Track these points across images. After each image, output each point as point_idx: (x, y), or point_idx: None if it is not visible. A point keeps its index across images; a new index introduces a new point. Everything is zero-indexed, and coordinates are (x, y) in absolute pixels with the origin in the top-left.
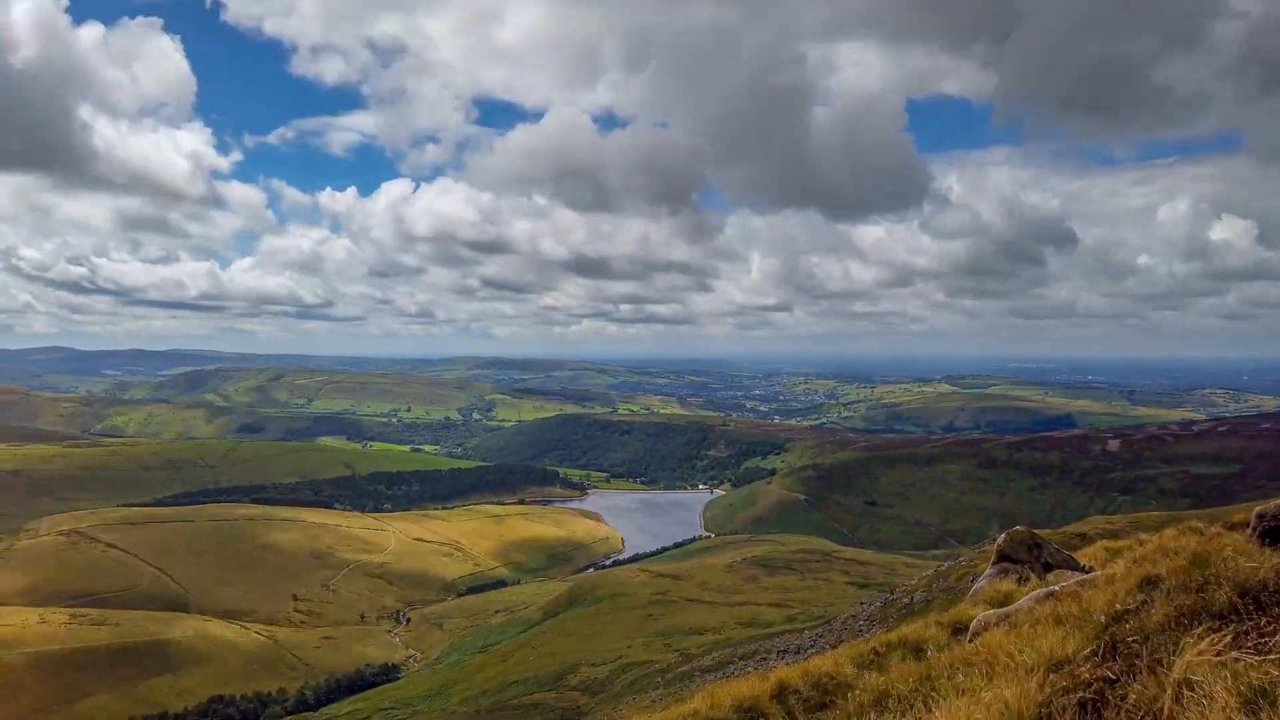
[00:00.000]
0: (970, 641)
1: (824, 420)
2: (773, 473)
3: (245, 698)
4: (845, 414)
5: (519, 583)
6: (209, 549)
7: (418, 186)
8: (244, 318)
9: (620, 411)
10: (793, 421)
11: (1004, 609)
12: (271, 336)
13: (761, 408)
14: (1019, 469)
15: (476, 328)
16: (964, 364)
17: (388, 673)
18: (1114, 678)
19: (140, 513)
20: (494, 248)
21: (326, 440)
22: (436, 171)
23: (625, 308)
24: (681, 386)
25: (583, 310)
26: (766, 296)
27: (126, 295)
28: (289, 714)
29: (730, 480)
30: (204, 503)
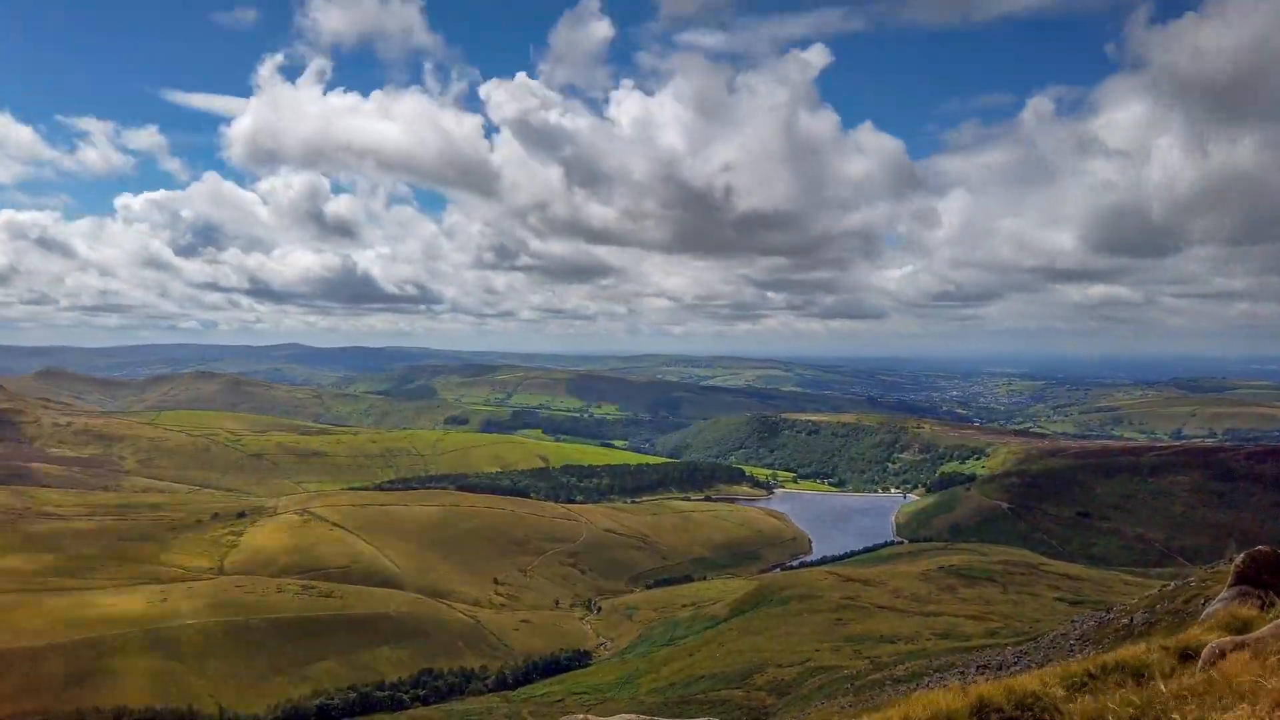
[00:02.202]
0: (1201, 670)
1: (1030, 424)
2: (972, 478)
3: (451, 672)
4: (1054, 418)
5: (705, 578)
6: (420, 532)
7: None
8: (454, 313)
9: (807, 411)
10: (995, 425)
11: (1242, 636)
12: (472, 334)
13: (959, 410)
14: (1261, 482)
15: (659, 327)
16: (1195, 365)
17: (580, 658)
18: None
19: (361, 496)
20: None
21: (523, 433)
22: None
23: (812, 304)
24: (871, 386)
25: (768, 306)
26: (964, 290)
27: (363, 297)
28: (490, 691)
29: (924, 485)
30: (415, 489)
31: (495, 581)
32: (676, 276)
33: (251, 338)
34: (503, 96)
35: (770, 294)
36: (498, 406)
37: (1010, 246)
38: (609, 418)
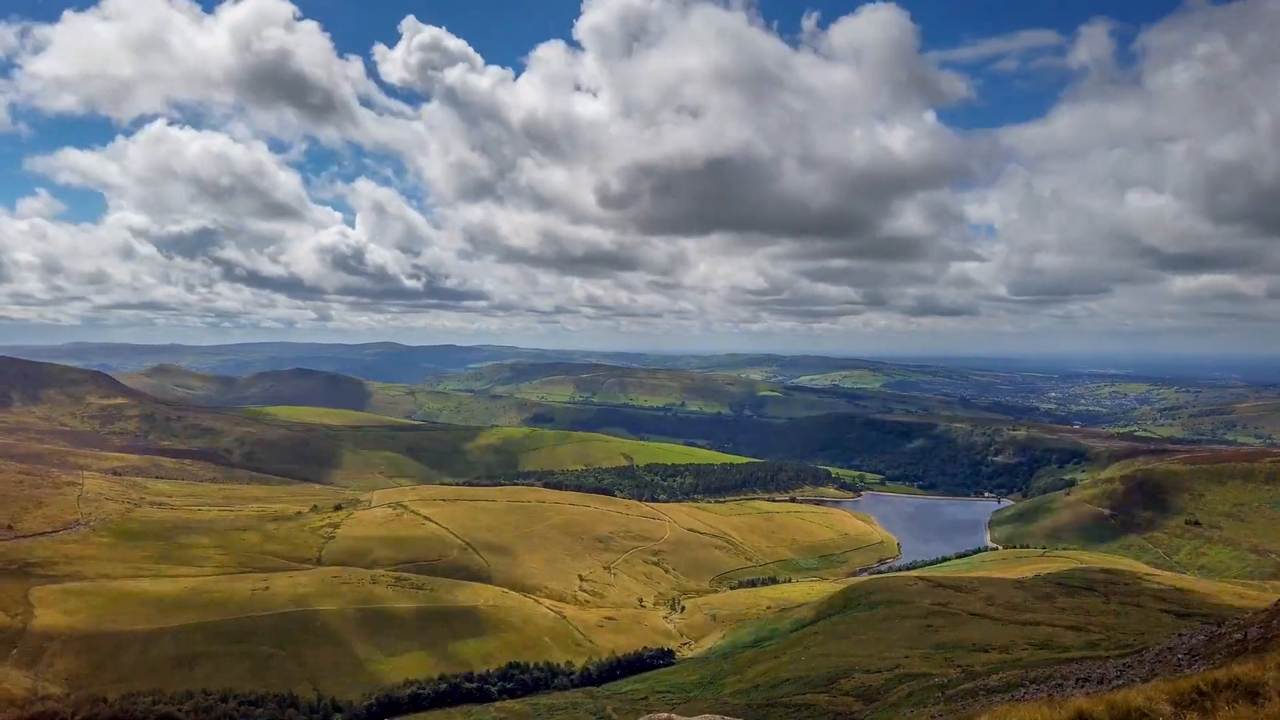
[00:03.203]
0: None
1: (1134, 427)
2: (1071, 484)
3: (538, 666)
4: (1161, 421)
5: (789, 580)
6: (507, 527)
7: None
8: (533, 313)
9: (896, 412)
10: (1096, 428)
11: None
12: (553, 332)
13: (1058, 411)
14: None
15: (743, 326)
16: None
17: (663, 657)
18: None
19: (451, 490)
20: None
21: (607, 431)
22: None
23: (900, 299)
24: (964, 386)
25: (851, 301)
26: (1061, 282)
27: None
28: (575, 686)
29: (1020, 490)
30: (503, 484)
31: (580, 578)
32: (750, 273)
33: (346, 336)
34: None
35: (850, 289)
36: (582, 404)
37: (1114, 227)
38: (692, 416)
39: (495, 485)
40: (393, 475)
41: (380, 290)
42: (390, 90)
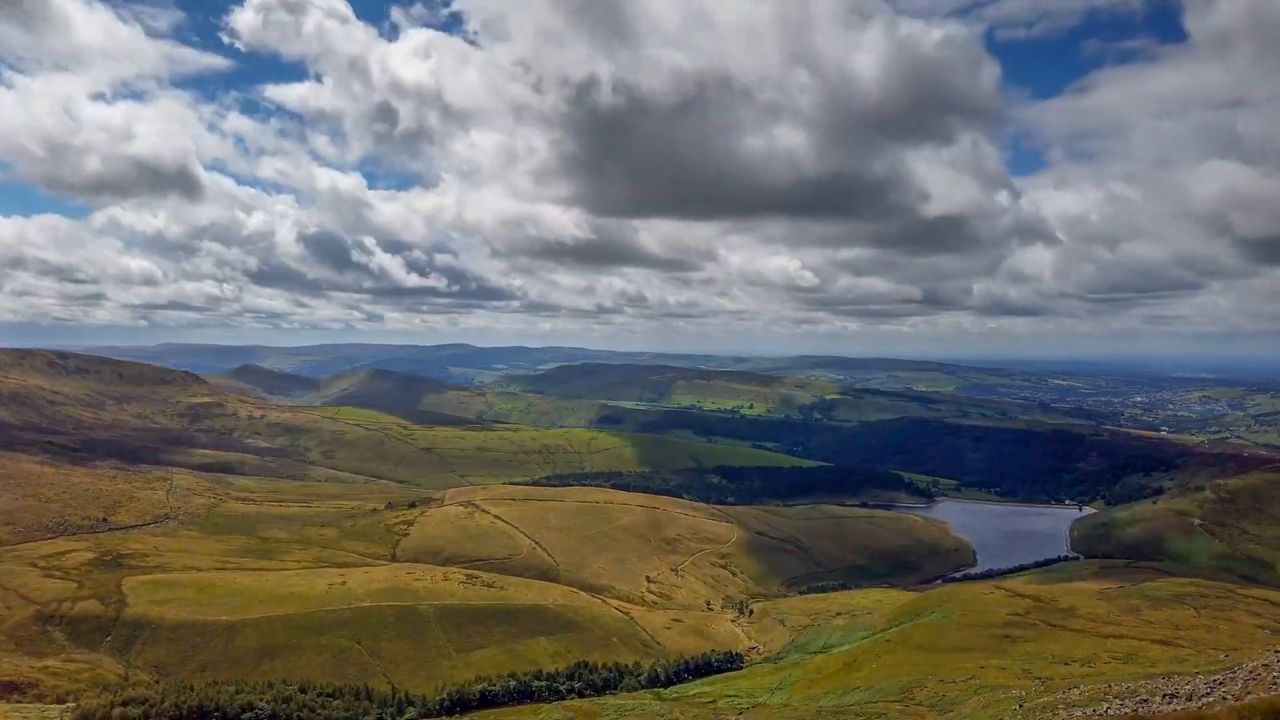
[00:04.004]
0: None
1: (1227, 435)
2: (1159, 492)
3: (605, 667)
4: (1256, 427)
5: (860, 586)
6: (575, 527)
7: None
8: (601, 314)
9: (972, 416)
10: (1185, 435)
11: None
12: (615, 334)
13: (1144, 418)
14: None
15: (805, 328)
16: None
17: (731, 661)
18: None
19: (520, 490)
20: None
21: (675, 433)
22: None
23: (972, 298)
24: (1043, 390)
25: (919, 301)
26: (1145, 277)
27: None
28: (642, 688)
29: (1103, 497)
30: (571, 485)
31: (647, 579)
32: (816, 273)
33: (421, 338)
34: None
35: (910, 287)
36: (650, 406)
37: (1208, 211)
38: (760, 420)
39: (563, 486)
40: (464, 474)
41: (458, 292)
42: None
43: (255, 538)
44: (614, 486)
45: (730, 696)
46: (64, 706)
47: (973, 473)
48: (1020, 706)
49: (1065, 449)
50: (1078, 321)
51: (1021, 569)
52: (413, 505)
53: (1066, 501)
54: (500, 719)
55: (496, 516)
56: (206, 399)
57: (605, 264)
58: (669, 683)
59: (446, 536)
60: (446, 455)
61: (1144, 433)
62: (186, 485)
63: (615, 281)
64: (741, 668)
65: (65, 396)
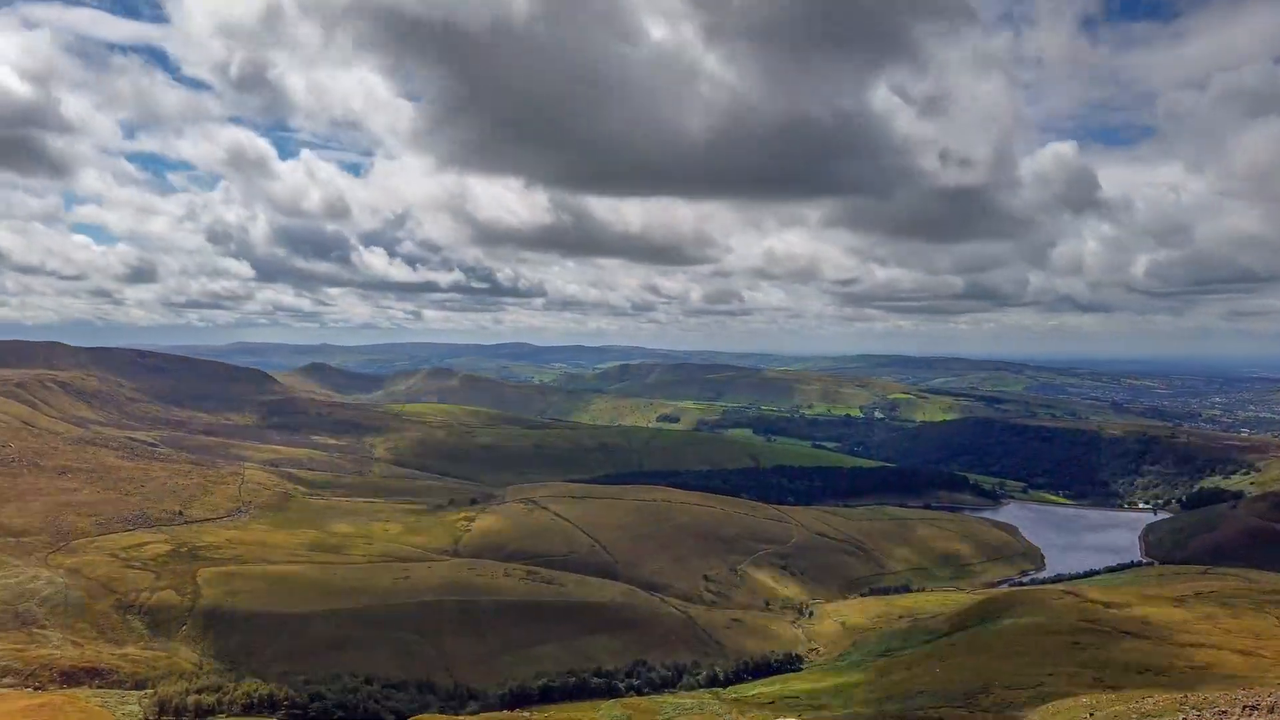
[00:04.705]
0: None
1: None
2: (1238, 495)
3: (664, 665)
4: None
5: (923, 589)
6: (634, 525)
7: None
8: (658, 312)
9: (1040, 416)
10: (1268, 436)
11: None
12: (675, 333)
13: (1223, 419)
14: None
15: (863, 325)
16: None
17: (791, 662)
18: None
19: (580, 488)
20: None
21: (733, 433)
22: None
23: (1033, 293)
24: (1115, 390)
25: (958, 295)
26: (1228, 267)
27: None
28: (701, 687)
29: (1179, 501)
30: (630, 483)
31: (705, 578)
32: (881, 267)
33: (482, 336)
34: None
35: (964, 277)
36: (708, 404)
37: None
38: (820, 419)
39: (622, 484)
40: (524, 472)
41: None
42: None
43: (323, 532)
44: (672, 485)
45: (790, 698)
46: (142, 693)
47: (1041, 474)
48: (1091, 715)
49: (1139, 451)
50: (1150, 319)
51: (1092, 574)
52: (474, 502)
53: (1140, 505)
54: (560, 715)
55: (556, 514)
56: (276, 396)
57: (665, 263)
58: (728, 683)
59: (507, 533)
60: (507, 453)
61: (1223, 434)
62: (258, 480)
63: (667, 284)
64: (801, 669)
65: (144, 393)
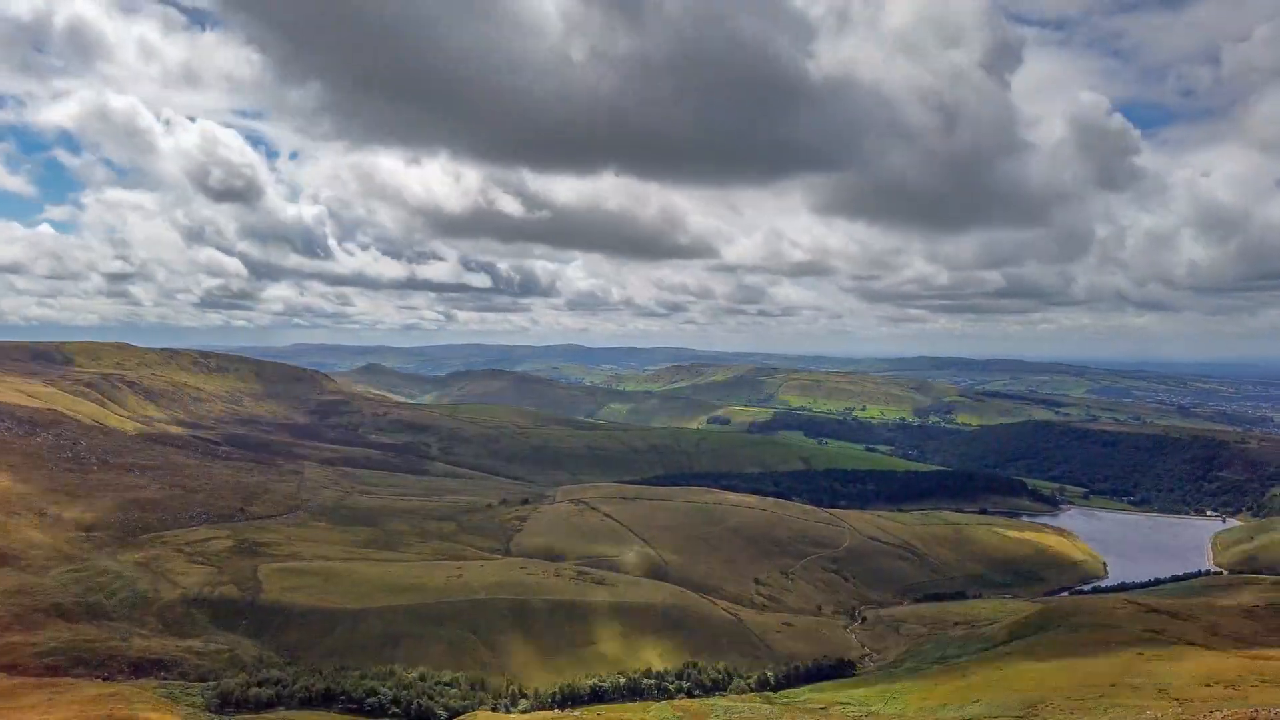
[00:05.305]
0: None
1: None
2: None
3: (714, 668)
4: None
5: (979, 596)
6: (684, 527)
7: None
8: (709, 313)
9: (1102, 420)
10: None
11: None
12: (723, 333)
13: None
14: None
15: (917, 327)
16: None
17: (843, 668)
18: None
19: (630, 489)
20: None
21: (784, 435)
22: None
23: (1094, 294)
24: (1182, 394)
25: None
26: None
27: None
28: (751, 690)
29: (1250, 509)
30: (680, 485)
31: (756, 581)
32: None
33: (534, 338)
34: None
35: (1016, 269)
36: (759, 406)
37: None
38: (873, 422)
39: (672, 485)
40: (575, 472)
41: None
42: None
43: (379, 529)
44: (723, 487)
45: (842, 704)
46: (205, 685)
47: (1103, 480)
48: None
49: (1207, 456)
50: (1219, 319)
51: (1158, 583)
52: (525, 502)
53: (1208, 513)
54: (611, 714)
55: (607, 515)
56: (334, 397)
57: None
58: (779, 687)
59: (558, 533)
60: (558, 453)
61: None
62: (316, 478)
63: (719, 287)
64: (854, 675)
65: (208, 393)
